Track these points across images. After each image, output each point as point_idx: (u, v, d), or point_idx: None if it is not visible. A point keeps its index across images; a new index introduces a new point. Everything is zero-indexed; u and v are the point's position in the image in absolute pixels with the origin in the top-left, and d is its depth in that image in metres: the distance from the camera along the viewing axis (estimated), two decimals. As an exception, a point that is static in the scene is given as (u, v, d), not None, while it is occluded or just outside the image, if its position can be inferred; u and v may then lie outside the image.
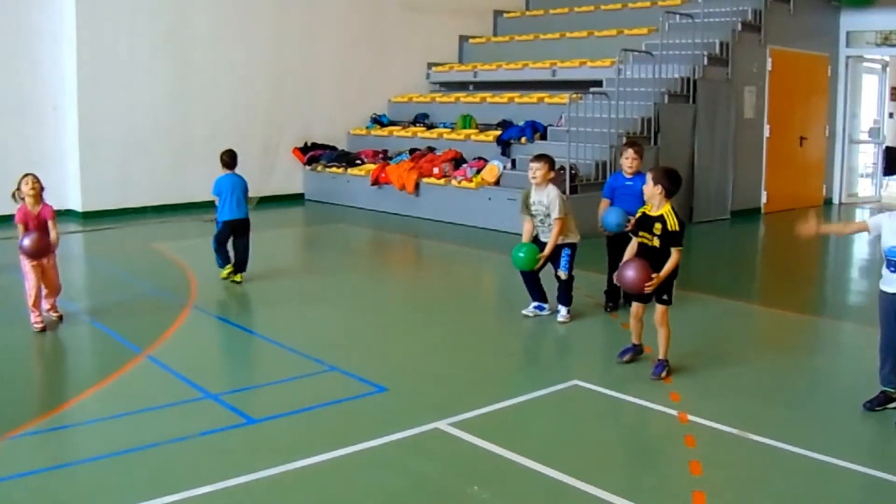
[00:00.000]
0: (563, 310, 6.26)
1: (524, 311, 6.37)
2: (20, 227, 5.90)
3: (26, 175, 5.95)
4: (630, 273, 4.88)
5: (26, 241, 5.77)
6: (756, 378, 5.17)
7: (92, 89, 10.88)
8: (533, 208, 6.17)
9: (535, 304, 6.38)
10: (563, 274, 6.18)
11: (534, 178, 6.13)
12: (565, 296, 6.25)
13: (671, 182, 4.92)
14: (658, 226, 4.89)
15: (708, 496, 3.57)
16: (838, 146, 13.39)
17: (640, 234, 5.00)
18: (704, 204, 11.26)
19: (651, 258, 4.92)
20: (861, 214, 12.70)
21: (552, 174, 6.17)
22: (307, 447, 4.01)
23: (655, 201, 4.93)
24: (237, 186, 7.45)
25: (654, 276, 4.83)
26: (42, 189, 5.97)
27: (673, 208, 4.91)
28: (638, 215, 5.08)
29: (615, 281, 5.24)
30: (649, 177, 4.98)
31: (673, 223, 4.85)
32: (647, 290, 4.86)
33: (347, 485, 3.73)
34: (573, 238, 6.21)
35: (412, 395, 4.81)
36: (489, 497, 3.58)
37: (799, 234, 4.68)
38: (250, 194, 7.71)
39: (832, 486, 3.78)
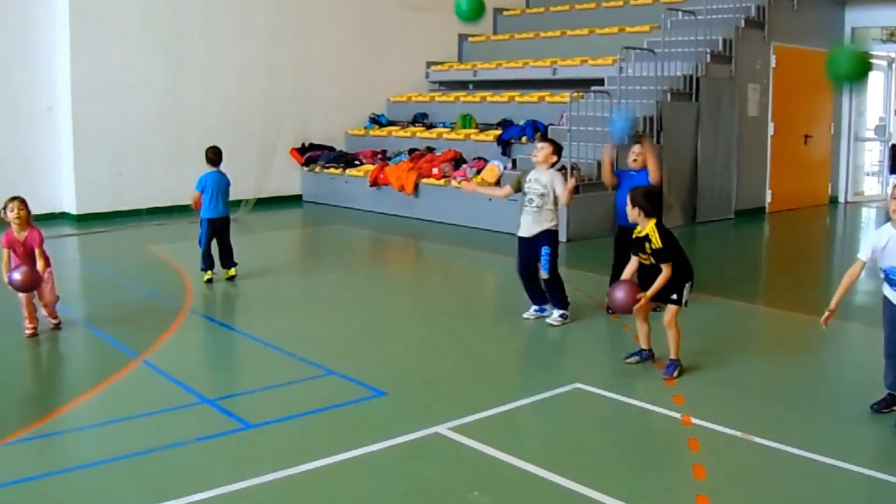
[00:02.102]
0: (554, 312, 6.16)
1: (525, 315, 6.29)
2: (5, 252, 5.74)
3: (11, 200, 5.73)
4: (618, 295, 5.01)
5: (16, 276, 5.60)
6: (761, 380, 5.11)
7: (86, 90, 10.82)
8: (526, 186, 6.08)
9: (536, 307, 6.30)
10: (544, 274, 6.07)
11: (535, 157, 6.10)
12: (556, 297, 6.14)
13: (648, 202, 5.02)
14: (647, 245, 4.99)
15: (712, 500, 3.52)
16: (844, 144, 13.29)
17: (640, 255, 5.09)
18: (708, 203, 11.18)
19: (652, 275, 5.00)
20: (867, 213, 12.61)
21: (555, 158, 6.11)
22: (305, 452, 3.97)
23: (639, 222, 5.04)
24: (221, 184, 7.47)
25: (639, 296, 4.92)
26: (29, 214, 5.76)
27: (657, 225, 5.00)
28: (633, 236, 5.15)
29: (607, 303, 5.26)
30: (628, 199, 5.10)
31: (656, 241, 4.94)
32: (637, 307, 4.98)
33: (346, 490, 3.68)
34: (553, 223, 6.07)
35: (412, 399, 4.76)
36: (490, 502, 3.53)
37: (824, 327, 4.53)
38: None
39: (838, 490, 3.72)
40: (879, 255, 4.34)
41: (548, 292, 6.17)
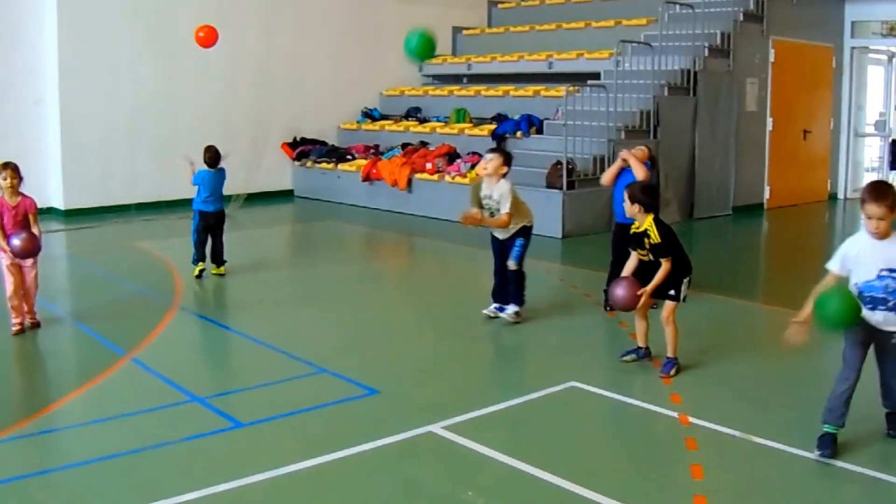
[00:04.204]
0: (510, 308, 6.05)
1: (485, 310, 6.18)
2: None
3: (4, 167, 5.67)
4: (619, 292, 4.94)
5: (16, 241, 5.53)
6: (759, 378, 5.06)
7: (74, 83, 10.68)
8: (484, 202, 6.00)
9: (496, 304, 6.20)
10: (512, 264, 5.98)
11: (484, 169, 5.97)
12: (516, 292, 6.06)
13: (647, 196, 4.96)
14: (646, 240, 4.94)
15: (710, 501, 3.48)
16: (843, 140, 13.24)
17: (638, 251, 5.02)
18: (706, 199, 11.13)
19: (651, 272, 4.95)
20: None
21: (505, 169, 5.96)
22: (296, 451, 3.93)
23: (638, 218, 4.98)
24: (217, 179, 7.45)
25: (640, 292, 4.85)
26: (21, 181, 5.70)
27: (656, 220, 4.94)
28: (632, 231, 5.08)
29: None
30: (626, 195, 5.02)
31: (655, 236, 4.89)
32: (639, 306, 4.93)
33: (338, 490, 3.64)
34: (526, 221, 6.00)
35: (404, 398, 4.70)
36: (484, 503, 3.48)
37: (791, 341, 4.04)
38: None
39: (836, 490, 3.70)
40: (853, 267, 4.00)
41: (510, 284, 6.06)
